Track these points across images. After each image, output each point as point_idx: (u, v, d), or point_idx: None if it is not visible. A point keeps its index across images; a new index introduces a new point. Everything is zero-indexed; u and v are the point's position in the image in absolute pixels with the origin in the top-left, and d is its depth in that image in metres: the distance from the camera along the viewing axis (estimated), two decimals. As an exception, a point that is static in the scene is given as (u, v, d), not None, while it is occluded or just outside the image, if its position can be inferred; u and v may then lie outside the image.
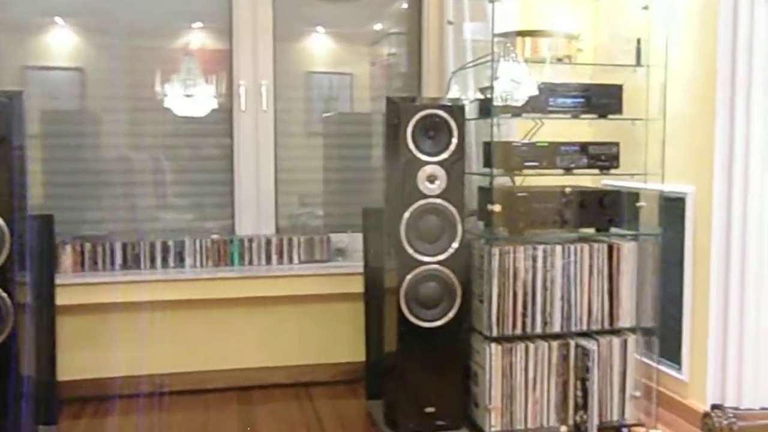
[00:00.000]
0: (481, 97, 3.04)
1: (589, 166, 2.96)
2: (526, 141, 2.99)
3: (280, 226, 3.60)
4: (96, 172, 3.38)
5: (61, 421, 3.05)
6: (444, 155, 2.86)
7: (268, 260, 3.49)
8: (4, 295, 2.57)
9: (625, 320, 3.01)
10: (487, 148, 2.97)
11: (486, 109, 2.96)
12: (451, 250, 2.89)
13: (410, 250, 2.86)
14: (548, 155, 2.91)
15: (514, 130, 3.20)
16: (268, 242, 3.49)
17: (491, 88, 2.79)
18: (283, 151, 3.56)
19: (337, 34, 3.62)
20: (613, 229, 3.03)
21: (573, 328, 2.94)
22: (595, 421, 2.92)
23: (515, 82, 2.80)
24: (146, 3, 3.37)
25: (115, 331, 3.28)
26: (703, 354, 2.85)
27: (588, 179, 3.14)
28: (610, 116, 3.02)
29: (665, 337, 3.01)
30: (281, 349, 3.51)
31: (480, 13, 3.16)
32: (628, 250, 2.99)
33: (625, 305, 3.00)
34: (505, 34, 2.92)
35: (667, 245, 2.99)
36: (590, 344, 2.94)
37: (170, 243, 3.34)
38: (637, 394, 2.99)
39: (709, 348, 2.83)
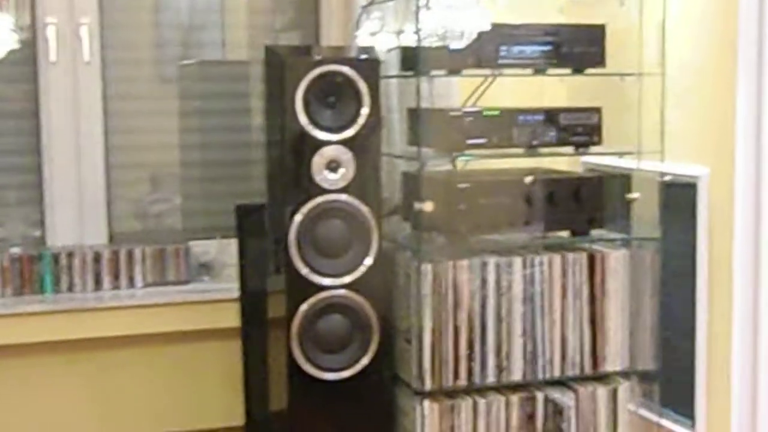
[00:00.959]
0: (405, 42, 3.06)
1: (560, 143, 3.00)
2: (469, 108, 3.01)
3: (114, 232, 3.58)
4: None
5: None
6: (350, 131, 2.86)
7: (98, 284, 3.43)
8: None
9: (614, 361, 3.07)
10: (414, 118, 3.02)
11: (411, 60, 2.98)
12: (363, 268, 2.89)
13: (304, 270, 2.84)
14: (501, 128, 2.94)
15: (455, 92, 3.24)
16: (97, 257, 3.44)
17: (417, 22, 2.81)
18: (118, 120, 3.55)
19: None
20: (596, 232, 3.09)
21: (540, 376, 3.00)
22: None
23: (455, 10, 2.82)
24: None
25: None
26: (725, 402, 2.85)
27: (560, 161, 3.21)
28: (589, 70, 3.06)
29: (671, 380, 3.04)
30: (122, 417, 3.45)
31: None
32: (616, 260, 3.05)
33: (614, 339, 3.06)
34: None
35: (672, 252, 3.02)
36: (565, 397, 2.98)
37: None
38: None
39: (732, 394, 2.82)
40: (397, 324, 3.01)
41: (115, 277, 3.44)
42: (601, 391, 3.01)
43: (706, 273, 2.93)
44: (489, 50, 2.91)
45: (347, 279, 2.87)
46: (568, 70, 3.05)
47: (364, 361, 2.90)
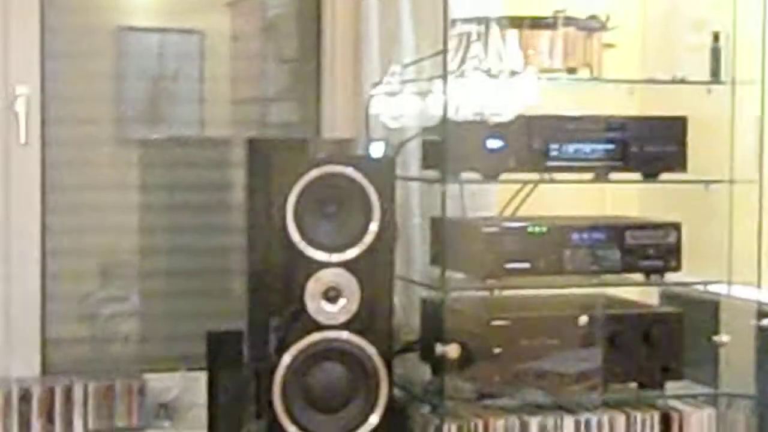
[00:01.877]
0: (428, 121, 3.09)
1: (627, 269, 3.07)
2: (509, 222, 3.04)
3: (49, 362, 3.58)
4: None
5: None
6: (355, 250, 2.90)
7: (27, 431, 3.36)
8: None
9: None
10: (437, 230, 3.06)
11: (435, 156, 3.02)
12: (367, 428, 2.90)
13: (291, 429, 2.88)
14: (550, 249, 3.00)
15: (491, 197, 3.29)
16: (25, 397, 3.38)
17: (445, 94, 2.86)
18: (59, 217, 3.59)
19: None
20: (672, 384, 3.11)
21: None
22: None
23: (492, 77, 2.86)
24: None
25: None
26: None
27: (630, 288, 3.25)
28: (665, 176, 3.13)
29: None
30: None
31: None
32: (699, 422, 3.07)
33: None
34: (471, 21, 2.99)
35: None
36: None
37: None
38: None
39: None
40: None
41: (49, 420, 3.38)
42: None
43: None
44: (536, 148, 2.95)
45: (348, 443, 2.88)
46: (638, 175, 3.08)
47: None
